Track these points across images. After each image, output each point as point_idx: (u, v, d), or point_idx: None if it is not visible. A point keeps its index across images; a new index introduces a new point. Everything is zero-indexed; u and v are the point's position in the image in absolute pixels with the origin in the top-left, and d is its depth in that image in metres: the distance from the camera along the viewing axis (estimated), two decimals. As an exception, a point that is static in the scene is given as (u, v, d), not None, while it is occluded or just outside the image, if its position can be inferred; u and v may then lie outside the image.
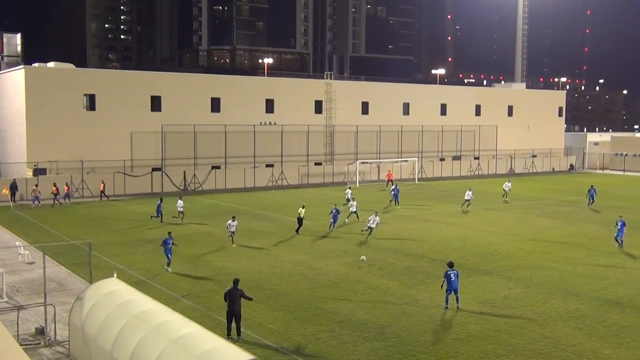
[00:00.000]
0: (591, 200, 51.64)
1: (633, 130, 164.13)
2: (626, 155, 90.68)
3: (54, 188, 50.09)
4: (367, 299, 24.49)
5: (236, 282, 20.23)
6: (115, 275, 19.08)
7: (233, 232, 34.26)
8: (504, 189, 55.97)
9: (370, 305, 23.60)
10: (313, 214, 46.21)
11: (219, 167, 64.30)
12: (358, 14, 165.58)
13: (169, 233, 29.68)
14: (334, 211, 38.51)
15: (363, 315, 22.42)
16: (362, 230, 37.21)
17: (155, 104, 62.49)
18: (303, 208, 38.38)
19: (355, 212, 42.27)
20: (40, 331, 19.92)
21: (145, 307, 16.03)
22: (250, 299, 20.56)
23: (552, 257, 32.29)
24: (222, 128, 64.27)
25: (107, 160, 58.39)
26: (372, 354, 18.88)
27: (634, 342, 20.01)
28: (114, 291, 17.44)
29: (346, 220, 41.60)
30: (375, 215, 36.82)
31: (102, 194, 53.86)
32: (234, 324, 19.86)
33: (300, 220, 37.89)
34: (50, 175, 55.35)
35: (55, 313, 20.21)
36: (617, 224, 35.05)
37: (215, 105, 65.92)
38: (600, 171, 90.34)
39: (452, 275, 22.92)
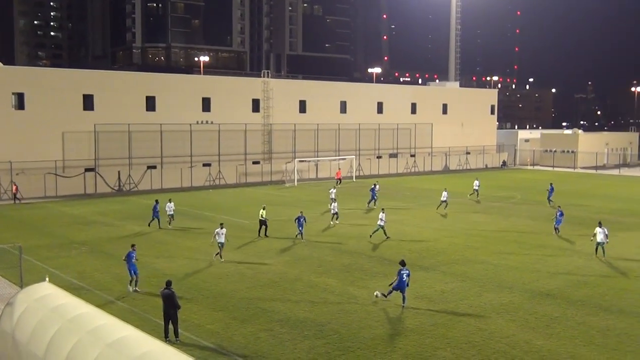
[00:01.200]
0: (549, 200, 51.06)
1: (561, 127, 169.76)
2: (555, 151, 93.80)
3: None
4: (306, 297, 24.56)
5: (169, 283, 19.89)
6: (47, 279, 18.53)
7: (223, 244, 30.47)
8: (475, 189, 54.51)
9: (309, 303, 23.68)
10: (251, 213, 46.05)
11: (154, 167, 63.22)
12: (295, 12, 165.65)
13: (132, 246, 25.96)
14: (301, 218, 35.73)
15: (302, 314, 22.46)
16: (370, 236, 35.84)
17: (88, 102, 60.86)
18: (264, 209, 36.95)
19: (336, 214, 40.86)
20: (-32, 339, 19.14)
21: (79, 311, 15.61)
22: (178, 307, 19.48)
23: (486, 251, 33.11)
24: (158, 127, 63.22)
25: (38, 160, 56.54)
26: (312, 352, 18.94)
27: (564, 332, 20.73)
28: (46, 295, 16.93)
29: (331, 223, 40.73)
30: (382, 212, 36.06)
31: (15, 197, 52.01)
32: (171, 326, 19.58)
33: (262, 222, 36.53)
34: (-24, 177, 53.34)
35: (-17, 320, 19.45)
36: (556, 214, 38.06)
37: (151, 104, 64.75)
38: (531, 167, 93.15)
39: (404, 274, 22.95)
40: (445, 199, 47.04)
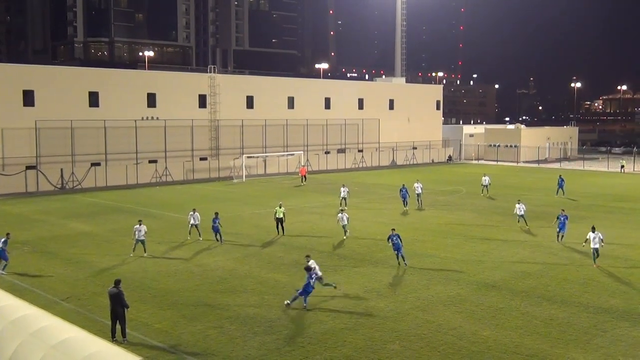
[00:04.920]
0: (560, 190, 52.68)
1: (504, 122, 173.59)
2: (499, 146, 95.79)
3: None
4: (256, 293, 24.45)
5: (117, 282, 19.61)
6: (-13, 280, 17.96)
7: (143, 241, 30.65)
8: (484, 185, 53.34)
9: (259, 300, 23.59)
10: (199, 210, 45.72)
11: (98, 164, 61.90)
12: (241, 7, 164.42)
13: (7, 234, 28.28)
14: (394, 237, 28.56)
15: (252, 310, 22.37)
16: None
17: (28, 98, 59.11)
18: (280, 207, 35.88)
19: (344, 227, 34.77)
20: None
21: (21, 313, 15.17)
22: (126, 307, 19.36)
23: (433, 245, 33.60)
24: (102, 123, 61.89)
25: (-25, 158, 54.76)
26: (262, 348, 18.89)
27: (509, 322, 21.21)
28: (-14, 298, 16.38)
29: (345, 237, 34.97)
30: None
31: None
32: (118, 326, 19.24)
33: (279, 220, 35.40)
34: None
35: None
36: (558, 218, 33.98)
37: (94, 99, 63.30)
38: (476, 161, 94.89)
39: (313, 275, 22.95)
40: (419, 192, 47.07)
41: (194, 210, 34.59)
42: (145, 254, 30.57)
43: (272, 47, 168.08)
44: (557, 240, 33.69)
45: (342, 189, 46.50)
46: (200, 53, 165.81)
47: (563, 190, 53.18)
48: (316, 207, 46.69)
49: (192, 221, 34.14)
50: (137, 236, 30.53)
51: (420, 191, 47.39)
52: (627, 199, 52.32)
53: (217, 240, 33.58)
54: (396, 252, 28.59)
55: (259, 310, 22.30)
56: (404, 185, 46.54)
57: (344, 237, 34.60)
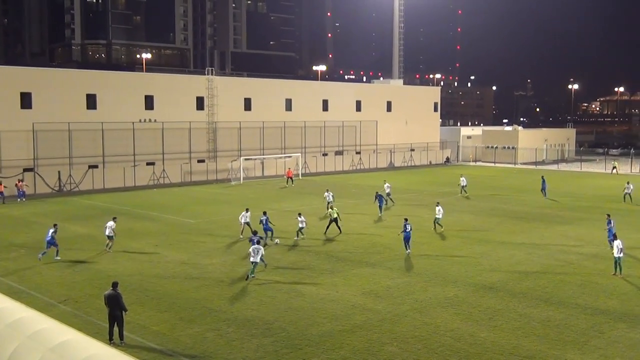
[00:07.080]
0: (543, 193, 53.04)
1: (502, 124, 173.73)
2: (496, 147, 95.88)
3: None
4: (254, 295, 24.45)
5: (115, 284, 19.59)
6: (-16, 283, 17.94)
7: (112, 237, 32.41)
8: (462, 186, 54.54)
9: (256, 302, 23.58)
10: (197, 212, 45.69)
11: (96, 167, 61.84)
12: (238, 9, 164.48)
13: (55, 225, 31.03)
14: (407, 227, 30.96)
15: (250, 312, 22.36)
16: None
17: (26, 100, 59.03)
18: (332, 209, 37.02)
19: (300, 230, 35.01)
20: None
21: (18, 316, 15.13)
22: (125, 310, 19.39)
23: (431, 246, 33.61)
24: (99, 125, 61.83)
25: (-27, 161, 54.66)
26: (260, 350, 18.88)
27: (506, 324, 21.23)
28: (-16, 300, 16.34)
29: (296, 238, 35.04)
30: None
31: None
32: (116, 328, 19.22)
33: (334, 221, 36.13)
34: None
35: None
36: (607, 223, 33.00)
37: (91, 102, 63.24)
38: (473, 163, 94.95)
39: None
40: (388, 190, 48.60)
41: (247, 210, 35.89)
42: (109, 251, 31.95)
43: (270, 50, 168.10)
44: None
45: (326, 193, 45.65)
46: (198, 55, 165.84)
47: (545, 192, 53.15)
48: (313, 209, 46.65)
49: (243, 220, 35.45)
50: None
51: (388, 190, 48.80)
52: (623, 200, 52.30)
53: (271, 239, 34.07)
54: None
55: (257, 313, 22.29)
56: (377, 192, 45.74)
57: (296, 238, 34.93)
